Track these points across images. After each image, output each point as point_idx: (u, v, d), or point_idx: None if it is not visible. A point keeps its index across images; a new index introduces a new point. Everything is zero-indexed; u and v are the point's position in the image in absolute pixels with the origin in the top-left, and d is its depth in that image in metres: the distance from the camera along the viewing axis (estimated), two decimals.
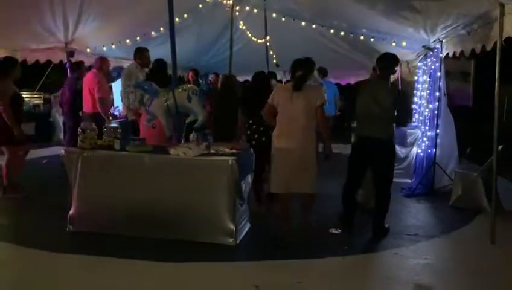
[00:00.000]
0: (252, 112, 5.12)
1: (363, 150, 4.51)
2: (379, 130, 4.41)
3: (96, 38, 7.77)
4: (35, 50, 7.46)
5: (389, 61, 4.59)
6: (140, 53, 6.04)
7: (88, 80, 6.62)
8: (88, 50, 8.01)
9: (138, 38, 7.72)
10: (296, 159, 4.19)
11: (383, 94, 4.45)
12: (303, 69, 4.24)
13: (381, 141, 4.41)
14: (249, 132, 5.23)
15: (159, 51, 6.42)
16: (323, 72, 8.84)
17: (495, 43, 4.30)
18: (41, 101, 12.22)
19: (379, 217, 4.54)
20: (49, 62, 8.16)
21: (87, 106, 6.61)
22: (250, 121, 5.23)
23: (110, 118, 6.99)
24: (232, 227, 4.09)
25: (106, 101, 6.66)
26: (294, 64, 4.29)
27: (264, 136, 5.04)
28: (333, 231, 4.60)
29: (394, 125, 4.61)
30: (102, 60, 6.77)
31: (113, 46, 8.09)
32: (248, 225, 4.58)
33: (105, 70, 6.82)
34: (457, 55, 5.73)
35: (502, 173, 5.98)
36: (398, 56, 8.37)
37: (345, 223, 4.66)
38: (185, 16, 7.43)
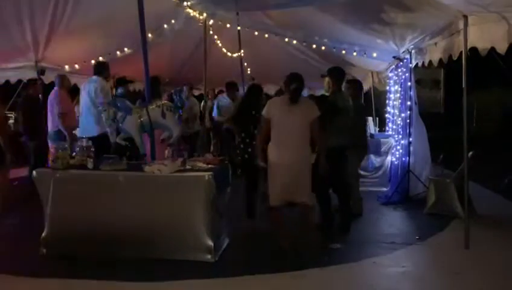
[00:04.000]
0: (244, 125, 5.03)
1: (336, 158, 4.63)
2: (347, 137, 4.92)
3: (68, 56, 7.65)
4: (4, 69, 7.31)
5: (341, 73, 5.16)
6: (108, 67, 5.94)
7: (50, 98, 6.79)
8: (59, 68, 7.87)
9: (110, 54, 7.63)
10: (293, 172, 4.20)
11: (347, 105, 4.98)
12: (297, 82, 4.24)
13: (344, 147, 4.93)
14: (242, 146, 5.04)
15: (133, 67, 6.36)
16: None
17: (461, 53, 4.44)
18: (12, 121, 11.90)
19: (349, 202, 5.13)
20: (19, 81, 7.97)
21: (50, 124, 6.74)
22: (243, 134, 5.06)
23: (74, 132, 6.91)
24: (210, 243, 4.05)
25: (67, 117, 6.70)
26: (288, 77, 4.30)
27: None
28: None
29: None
30: (62, 77, 6.94)
31: (85, 64, 7.97)
32: (227, 240, 4.54)
33: (66, 87, 6.98)
34: (426, 64, 5.89)
35: (474, 178, 6.16)
36: (370, 67, 8.60)
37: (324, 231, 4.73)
38: (158, 31, 7.40)
